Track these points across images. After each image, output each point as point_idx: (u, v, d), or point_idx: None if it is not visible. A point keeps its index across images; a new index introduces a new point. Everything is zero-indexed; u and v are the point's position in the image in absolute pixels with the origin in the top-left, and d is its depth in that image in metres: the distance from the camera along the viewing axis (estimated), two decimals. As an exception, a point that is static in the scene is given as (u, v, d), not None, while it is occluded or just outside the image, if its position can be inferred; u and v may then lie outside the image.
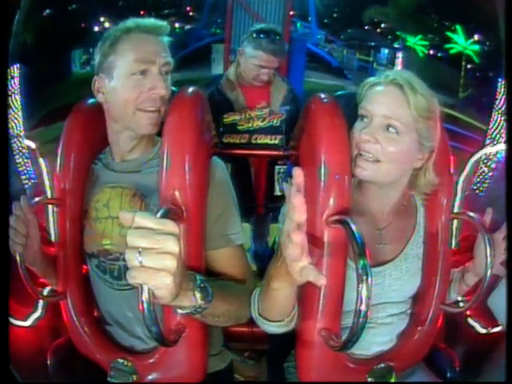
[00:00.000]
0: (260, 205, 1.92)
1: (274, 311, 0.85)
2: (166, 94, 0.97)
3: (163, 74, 0.98)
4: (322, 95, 0.98)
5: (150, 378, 0.96)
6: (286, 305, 0.83)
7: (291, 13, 4.55)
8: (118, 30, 0.97)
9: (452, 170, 1.04)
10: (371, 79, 0.95)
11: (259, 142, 1.54)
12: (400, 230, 1.01)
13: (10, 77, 2.15)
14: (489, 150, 1.63)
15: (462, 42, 9.31)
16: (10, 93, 2.14)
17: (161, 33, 0.99)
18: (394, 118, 0.88)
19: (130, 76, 0.95)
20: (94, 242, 1.02)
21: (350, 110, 0.96)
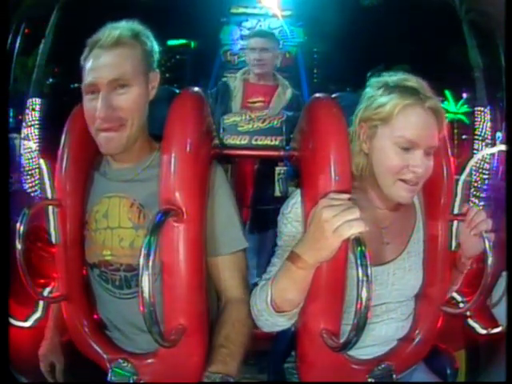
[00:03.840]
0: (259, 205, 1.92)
1: (292, 296, 0.85)
2: (112, 113, 0.92)
3: (112, 90, 0.92)
4: (322, 95, 0.98)
5: (150, 378, 0.96)
6: (304, 289, 0.85)
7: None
8: (88, 45, 0.95)
9: (452, 172, 1.05)
10: (398, 99, 0.91)
11: (260, 143, 1.54)
12: (401, 227, 1.02)
13: (30, 107, 2.19)
14: (488, 150, 1.64)
15: (452, 109, 9.43)
16: (29, 123, 2.17)
17: (117, 45, 0.93)
18: (434, 147, 0.93)
19: (85, 97, 0.95)
20: (95, 252, 1.02)
21: (349, 110, 0.96)
